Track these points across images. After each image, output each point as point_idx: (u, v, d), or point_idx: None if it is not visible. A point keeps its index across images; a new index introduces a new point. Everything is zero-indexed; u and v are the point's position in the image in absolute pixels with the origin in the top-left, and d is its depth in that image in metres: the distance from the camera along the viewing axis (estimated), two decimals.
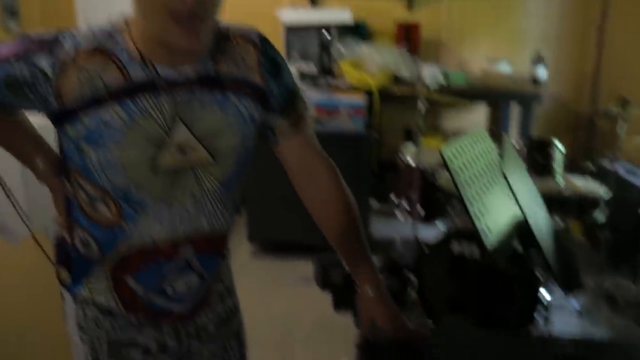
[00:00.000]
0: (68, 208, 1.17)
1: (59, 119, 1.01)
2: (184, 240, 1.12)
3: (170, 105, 1.02)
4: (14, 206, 2.50)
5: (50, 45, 0.99)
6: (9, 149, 1.27)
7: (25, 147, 1.25)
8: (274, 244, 3.67)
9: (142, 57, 1.00)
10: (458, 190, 1.45)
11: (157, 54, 1.01)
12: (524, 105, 4.12)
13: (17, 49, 1.00)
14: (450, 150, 1.50)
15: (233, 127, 1.09)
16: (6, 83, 1.00)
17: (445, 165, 1.46)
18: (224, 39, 1.10)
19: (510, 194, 1.59)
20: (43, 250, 2.35)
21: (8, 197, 2.51)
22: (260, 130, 1.17)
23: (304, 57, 4.27)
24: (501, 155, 1.71)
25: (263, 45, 1.14)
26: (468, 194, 1.47)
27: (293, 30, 4.28)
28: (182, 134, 1.04)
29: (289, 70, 1.19)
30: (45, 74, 0.98)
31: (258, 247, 3.73)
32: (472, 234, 2.41)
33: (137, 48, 1.00)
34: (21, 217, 2.50)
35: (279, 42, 4.49)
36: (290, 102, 1.18)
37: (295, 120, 1.18)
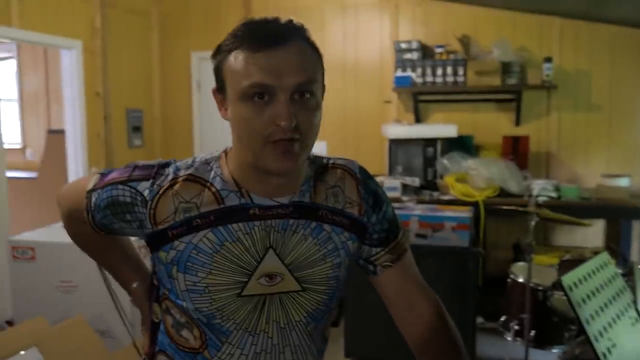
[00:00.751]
0: (155, 332, 1.17)
1: (153, 243, 1.04)
2: None
3: (262, 233, 1.02)
4: (119, 314, 2.62)
5: (153, 172, 1.04)
6: (109, 269, 1.32)
7: (125, 270, 1.29)
8: None
9: (237, 185, 1.03)
10: (581, 324, 1.32)
11: (253, 185, 1.02)
12: None
13: (124, 174, 1.06)
14: (571, 279, 1.39)
15: (325, 258, 1.07)
16: (109, 204, 1.06)
17: (566, 296, 1.35)
18: (324, 170, 1.11)
19: None
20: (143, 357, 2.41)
21: (115, 305, 2.63)
22: (359, 262, 1.15)
23: (408, 170, 4.30)
24: (632, 287, 1.57)
25: (363, 177, 1.14)
26: (594, 329, 1.34)
27: (397, 144, 4.35)
28: (271, 261, 1.03)
29: (388, 201, 1.18)
30: (143, 198, 1.02)
31: None
32: None
33: (232, 177, 1.03)
34: (125, 325, 2.61)
35: (383, 157, 4.58)
36: (390, 233, 1.15)
37: (395, 251, 1.15)
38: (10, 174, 4.33)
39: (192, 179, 1.03)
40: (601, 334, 1.38)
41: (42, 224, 3.78)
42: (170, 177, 1.03)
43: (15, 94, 6.11)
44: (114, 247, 1.27)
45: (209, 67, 4.85)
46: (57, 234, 2.84)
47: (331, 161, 1.14)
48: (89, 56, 4.40)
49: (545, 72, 4.28)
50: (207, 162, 1.06)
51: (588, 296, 1.41)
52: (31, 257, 2.66)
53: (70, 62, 4.23)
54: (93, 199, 1.09)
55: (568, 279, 1.39)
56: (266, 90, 0.93)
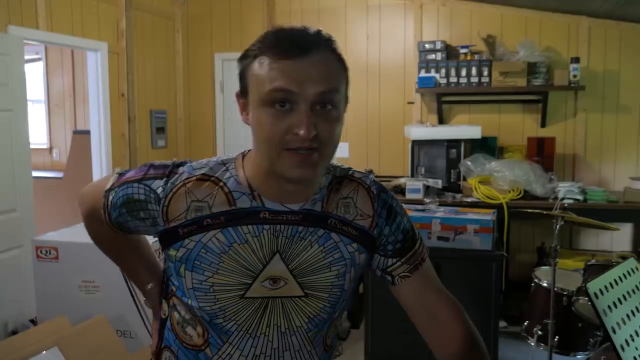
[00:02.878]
0: (162, 329, 1.18)
1: (165, 240, 1.05)
2: None
3: (270, 237, 1.02)
4: (140, 314, 2.64)
5: (167, 171, 1.06)
6: (126, 269, 1.34)
7: (141, 271, 1.32)
8: None
9: (250, 188, 1.03)
10: (608, 335, 1.28)
11: (267, 189, 1.03)
12: None
13: (140, 173, 1.08)
14: (597, 286, 1.35)
15: (331, 266, 1.06)
16: (124, 202, 1.08)
17: (591, 303, 1.31)
18: (339, 180, 1.11)
19: None
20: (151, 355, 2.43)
21: (137, 305, 2.65)
22: (377, 272, 1.16)
23: (431, 172, 4.26)
24: None
25: (377, 191, 1.13)
26: (620, 337, 1.30)
27: (420, 146, 4.31)
28: (276, 265, 1.03)
29: (404, 213, 1.17)
30: (157, 195, 1.04)
31: None
32: None
33: (247, 180, 1.04)
34: (146, 326, 2.63)
35: (405, 158, 4.55)
36: (406, 244, 1.15)
37: (412, 261, 1.14)
38: (36, 173, 4.40)
39: (205, 178, 1.04)
40: (628, 343, 1.33)
41: (67, 224, 3.82)
42: (184, 176, 1.04)
43: (42, 95, 6.22)
44: (131, 247, 1.29)
45: (232, 68, 4.89)
46: (80, 234, 2.86)
47: (347, 173, 1.13)
48: (114, 58, 4.45)
49: (572, 72, 4.21)
50: (223, 163, 1.07)
51: (615, 304, 1.37)
52: (55, 257, 2.69)
53: (95, 63, 4.28)
54: (110, 198, 1.11)
55: (594, 285, 1.35)
56: (288, 97, 0.93)
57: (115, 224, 1.13)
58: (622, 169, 4.42)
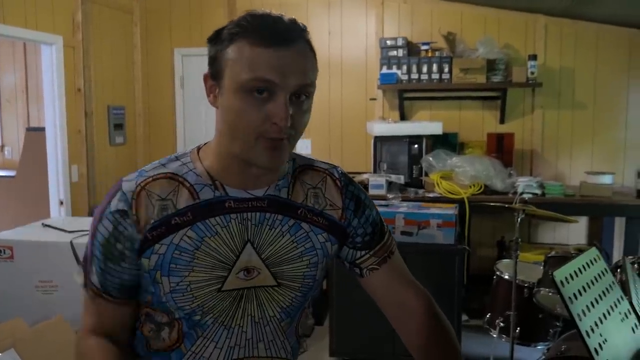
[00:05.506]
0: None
1: (140, 254, 1.00)
2: None
3: (239, 226, 1.02)
4: None
5: (117, 187, 1.01)
6: None
7: None
8: (359, 359, 3.50)
9: (211, 178, 1.02)
10: (573, 319, 1.31)
11: (229, 176, 1.02)
12: (629, 219, 3.86)
13: (95, 221, 1.02)
14: (562, 275, 1.37)
15: (302, 256, 1.07)
16: (102, 250, 1.01)
17: (557, 291, 1.33)
18: (304, 169, 1.11)
19: (636, 321, 1.42)
20: None
21: None
22: (345, 265, 1.16)
23: (393, 168, 4.29)
24: (622, 281, 1.56)
25: (345, 182, 1.14)
26: (585, 325, 1.32)
27: (382, 142, 4.33)
28: (249, 255, 1.02)
29: (372, 205, 1.18)
30: (122, 211, 0.99)
31: None
32: None
33: (207, 171, 1.02)
34: None
35: (368, 154, 4.57)
36: (375, 236, 1.16)
37: (380, 253, 1.15)
38: None
39: (163, 176, 1.01)
40: (592, 330, 1.36)
41: (21, 223, 3.70)
42: (139, 181, 1.01)
43: None
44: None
45: (192, 63, 4.83)
46: (36, 232, 2.77)
47: (314, 164, 1.14)
48: (70, 52, 4.32)
49: (529, 69, 4.29)
50: (177, 158, 1.05)
51: (579, 292, 1.40)
52: (9, 256, 2.59)
53: (50, 57, 4.14)
54: (91, 275, 1.03)
55: (560, 274, 1.37)
56: (267, 87, 0.93)
57: (109, 290, 1.03)
58: (578, 163, 4.54)
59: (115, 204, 0.99)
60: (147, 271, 1.00)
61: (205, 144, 1.07)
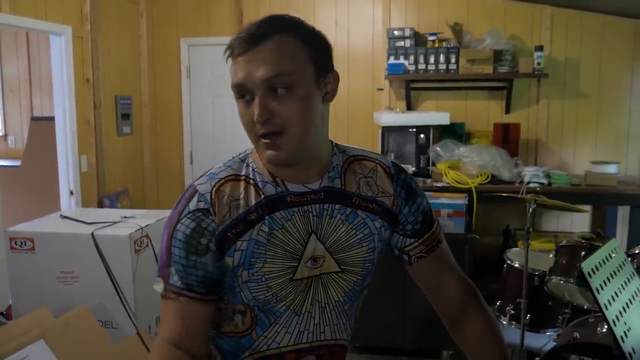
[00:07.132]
0: None
1: (218, 251, 1.04)
2: (307, 349, 1.14)
3: (302, 219, 1.07)
4: (123, 304, 2.61)
5: (192, 190, 1.07)
6: None
7: None
8: (370, 346, 3.56)
9: (271, 176, 1.08)
10: (602, 311, 1.36)
11: (285, 172, 1.08)
12: (633, 208, 3.92)
13: (172, 219, 1.05)
14: (589, 266, 1.42)
15: (362, 242, 1.12)
16: (184, 246, 1.03)
17: (586, 283, 1.38)
18: (355, 161, 1.16)
19: None
20: (146, 346, 2.41)
21: (119, 295, 2.62)
22: (394, 252, 1.21)
23: (401, 158, 4.33)
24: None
25: (396, 170, 1.18)
26: (611, 314, 1.38)
27: (389, 132, 4.37)
28: (314, 244, 1.08)
29: (423, 194, 1.22)
30: (202, 209, 1.04)
31: (352, 347, 3.62)
32: (590, 348, 2.26)
33: (266, 168, 1.08)
34: (129, 316, 2.60)
35: (375, 145, 4.60)
36: (425, 224, 1.19)
37: (429, 242, 1.19)
38: None
39: (233, 178, 1.08)
40: (617, 319, 1.42)
41: (28, 213, 3.72)
42: (212, 182, 1.07)
43: None
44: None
45: (198, 53, 4.84)
46: (56, 224, 2.80)
47: (365, 154, 1.19)
48: (78, 42, 4.32)
49: (536, 60, 4.33)
50: (241, 160, 1.11)
51: (605, 282, 1.45)
52: (30, 248, 2.62)
53: (60, 48, 4.14)
54: (171, 277, 1.04)
55: (587, 265, 1.42)
56: (244, 91, 1.00)
57: (193, 286, 1.03)
58: (581, 153, 4.60)
59: (195, 204, 1.04)
60: (230, 269, 1.05)
61: None
